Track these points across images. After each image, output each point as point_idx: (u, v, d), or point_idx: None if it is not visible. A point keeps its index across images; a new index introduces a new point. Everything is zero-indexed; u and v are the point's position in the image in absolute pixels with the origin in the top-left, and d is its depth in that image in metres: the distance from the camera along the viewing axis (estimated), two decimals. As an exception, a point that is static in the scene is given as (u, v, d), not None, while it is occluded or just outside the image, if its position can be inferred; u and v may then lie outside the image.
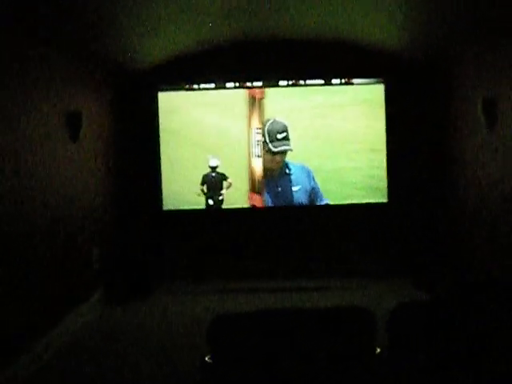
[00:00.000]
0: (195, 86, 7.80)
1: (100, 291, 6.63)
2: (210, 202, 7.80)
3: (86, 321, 6.03)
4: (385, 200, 7.74)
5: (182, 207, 7.81)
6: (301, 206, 7.73)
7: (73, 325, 5.68)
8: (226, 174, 7.77)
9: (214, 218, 7.95)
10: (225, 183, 7.78)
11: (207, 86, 7.80)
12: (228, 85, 7.79)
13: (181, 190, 7.81)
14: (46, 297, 5.09)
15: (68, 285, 5.64)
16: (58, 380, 4.63)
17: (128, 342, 5.46)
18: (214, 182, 7.80)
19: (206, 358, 2.74)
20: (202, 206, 7.81)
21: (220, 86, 7.80)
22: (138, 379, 4.58)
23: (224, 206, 7.81)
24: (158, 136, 7.79)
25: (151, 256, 7.60)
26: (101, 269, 6.64)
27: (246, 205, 7.80)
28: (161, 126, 7.80)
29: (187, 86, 7.80)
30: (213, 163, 7.76)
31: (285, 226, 7.87)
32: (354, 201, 7.76)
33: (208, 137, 7.82)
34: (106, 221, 6.94)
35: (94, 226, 6.47)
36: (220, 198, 7.80)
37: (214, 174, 7.78)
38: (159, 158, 7.78)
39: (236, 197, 7.80)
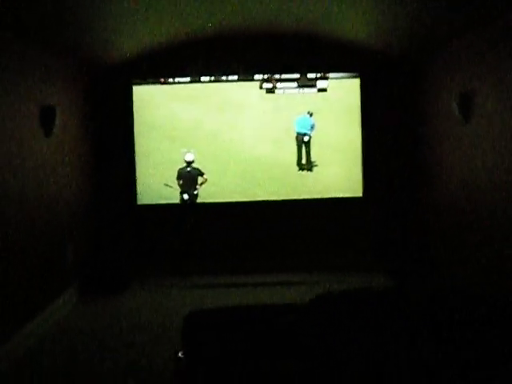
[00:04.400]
0: (170, 80, 7.75)
1: (74, 286, 6.57)
2: (185, 196, 7.75)
3: (59, 317, 5.96)
4: (360, 194, 7.78)
5: (156, 202, 7.78)
6: (275, 201, 7.74)
7: (45, 321, 5.62)
8: (201, 169, 7.74)
9: (189, 212, 7.90)
10: (200, 178, 7.73)
11: (182, 79, 7.75)
12: (203, 79, 7.75)
13: (156, 184, 7.77)
14: (17, 293, 5.01)
15: (41, 280, 5.56)
16: (31, 377, 4.58)
17: (102, 337, 5.42)
18: (189, 177, 7.74)
19: (179, 354, 2.72)
20: (177, 201, 7.78)
21: (195, 79, 7.76)
22: (113, 374, 4.55)
23: (199, 201, 7.79)
24: (133, 130, 7.72)
25: (125, 250, 7.54)
26: (74, 263, 6.57)
27: (221, 199, 7.79)
28: (136, 120, 7.74)
29: (162, 80, 7.75)
30: (188, 158, 7.71)
31: (260, 220, 7.85)
32: (330, 195, 7.78)
33: (183, 130, 7.80)
34: (79, 215, 6.86)
35: (67, 219, 6.39)
36: (195, 192, 7.75)
37: (189, 169, 7.73)
38: (134, 152, 7.72)
39: (212, 191, 7.79)
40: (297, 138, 7.78)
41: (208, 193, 7.78)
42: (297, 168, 7.82)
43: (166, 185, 7.72)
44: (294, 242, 7.81)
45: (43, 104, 5.71)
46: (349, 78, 7.75)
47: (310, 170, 7.83)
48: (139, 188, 7.76)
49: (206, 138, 7.79)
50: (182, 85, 7.76)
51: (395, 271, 7.08)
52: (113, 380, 4.45)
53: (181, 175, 7.75)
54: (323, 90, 7.78)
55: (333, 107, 7.80)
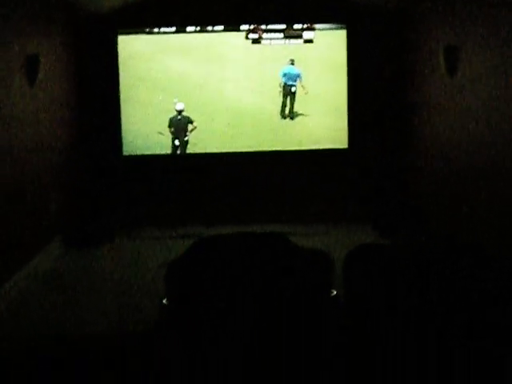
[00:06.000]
0: (155, 30, 7.69)
1: (58, 238, 6.57)
2: (176, 142, 8.02)
3: (44, 268, 6.00)
4: (345, 146, 7.81)
5: (143, 152, 7.88)
6: (263, 152, 7.78)
7: (30, 272, 5.65)
8: (191, 117, 7.92)
9: (174, 163, 7.97)
10: (190, 126, 7.97)
11: (167, 29, 7.68)
12: (188, 29, 7.69)
13: (143, 134, 7.91)
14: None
15: (24, 231, 5.58)
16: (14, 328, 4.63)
17: (86, 287, 5.50)
18: (180, 125, 8.00)
19: (164, 301, 2.77)
20: (164, 151, 7.94)
21: (180, 29, 7.69)
22: (99, 321, 4.60)
23: (188, 150, 7.97)
24: (118, 79, 7.72)
25: (111, 201, 7.57)
26: (58, 214, 6.55)
27: (209, 150, 7.89)
28: (123, 71, 7.76)
29: (147, 30, 7.67)
30: (179, 107, 7.94)
31: (246, 171, 7.89)
32: (315, 146, 7.82)
33: (170, 81, 7.87)
34: (64, 166, 6.85)
35: (51, 170, 6.39)
36: (185, 139, 8.01)
37: (179, 117, 7.97)
38: (119, 102, 7.73)
39: (200, 139, 7.94)
40: (284, 88, 7.81)
41: (197, 140, 7.97)
42: (279, 117, 7.88)
43: (160, 133, 7.98)
44: (280, 192, 7.86)
45: (27, 52, 5.64)
46: (335, 29, 7.71)
47: (292, 118, 7.88)
48: (127, 138, 7.88)
49: (193, 89, 7.91)
50: (169, 35, 7.71)
51: (380, 222, 7.13)
52: (100, 327, 4.50)
53: (172, 123, 8.00)
54: (309, 41, 7.75)
55: (319, 58, 7.78)
